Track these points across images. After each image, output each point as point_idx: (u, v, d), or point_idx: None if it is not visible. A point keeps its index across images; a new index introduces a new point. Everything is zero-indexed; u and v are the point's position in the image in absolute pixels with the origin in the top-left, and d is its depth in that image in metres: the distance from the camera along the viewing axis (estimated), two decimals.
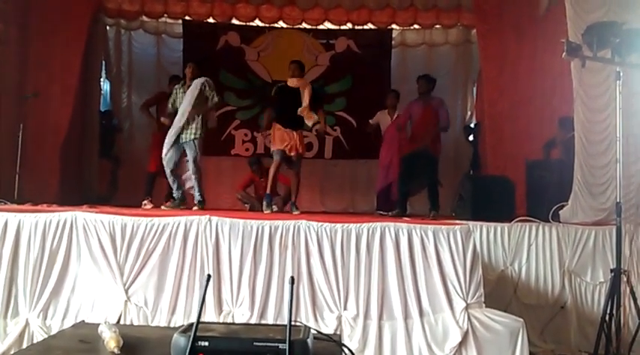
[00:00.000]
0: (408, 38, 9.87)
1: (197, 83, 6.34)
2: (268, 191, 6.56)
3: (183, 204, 6.38)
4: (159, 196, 7.14)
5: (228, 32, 9.53)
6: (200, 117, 6.32)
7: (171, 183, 6.46)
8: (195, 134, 6.27)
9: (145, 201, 6.94)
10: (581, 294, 5.24)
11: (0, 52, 6.67)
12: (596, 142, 5.47)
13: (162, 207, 6.34)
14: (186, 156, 6.38)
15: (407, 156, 6.88)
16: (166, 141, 6.31)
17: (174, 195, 6.48)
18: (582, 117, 5.58)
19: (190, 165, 6.32)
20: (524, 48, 7.65)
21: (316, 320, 4.14)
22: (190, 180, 6.47)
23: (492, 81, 8.31)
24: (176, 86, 6.61)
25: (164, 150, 6.31)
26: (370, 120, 8.15)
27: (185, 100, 6.31)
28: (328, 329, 4.05)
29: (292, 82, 6.57)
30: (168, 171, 6.36)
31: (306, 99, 6.43)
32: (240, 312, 4.16)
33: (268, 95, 7.12)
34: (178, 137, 6.29)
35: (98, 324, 1.73)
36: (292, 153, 6.44)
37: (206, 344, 1.43)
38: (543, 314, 5.14)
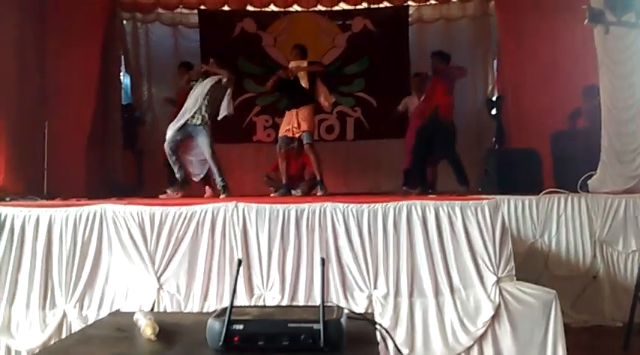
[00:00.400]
0: (424, 14, 9.75)
1: (212, 78, 6.36)
2: (284, 181, 6.63)
3: (186, 184, 6.39)
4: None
5: (243, 19, 9.53)
6: (210, 103, 6.29)
7: (172, 163, 6.34)
8: (203, 119, 6.22)
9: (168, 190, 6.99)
10: (613, 264, 5.19)
11: (21, 51, 6.74)
12: (623, 109, 5.36)
13: (166, 194, 6.36)
14: (190, 139, 6.38)
15: (420, 129, 6.75)
16: (174, 123, 6.31)
17: (176, 175, 6.38)
18: (608, 84, 5.48)
19: (206, 152, 6.25)
20: (543, 18, 7.51)
21: (347, 300, 4.14)
22: (199, 165, 6.50)
23: (512, 53, 8.21)
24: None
25: (169, 132, 6.28)
26: (399, 107, 8.05)
27: (201, 87, 6.32)
28: (359, 308, 4.06)
29: (291, 65, 6.63)
30: (168, 150, 6.28)
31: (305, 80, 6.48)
32: (271, 295, 4.19)
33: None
34: (185, 122, 6.25)
35: (134, 312, 1.76)
36: (291, 135, 6.48)
37: (241, 327, 1.44)
38: (575, 285, 5.11)
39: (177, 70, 8.49)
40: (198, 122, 6.21)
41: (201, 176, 6.62)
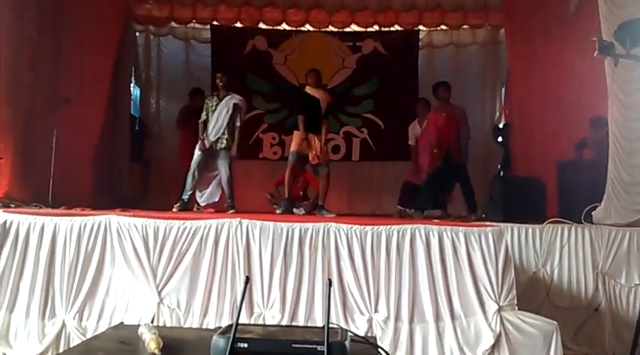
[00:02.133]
0: (435, 39, 9.82)
1: (231, 100, 6.58)
2: (286, 195, 6.63)
3: (188, 207, 6.54)
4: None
5: (255, 36, 9.59)
6: (231, 127, 6.60)
7: (189, 184, 6.54)
8: (227, 143, 6.54)
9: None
10: (615, 297, 5.13)
11: (34, 60, 6.80)
12: (632, 140, 5.34)
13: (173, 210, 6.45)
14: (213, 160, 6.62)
15: (434, 173, 6.83)
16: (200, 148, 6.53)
17: (184, 196, 6.56)
18: (617, 115, 5.46)
19: (224, 174, 6.52)
20: (553, 47, 7.54)
21: (347, 322, 4.13)
22: (211, 194, 6.68)
23: (521, 81, 8.24)
24: (208, 98, 6.82)
25: (196, 153, 6.52)
26: (410, 142, 8.02)
27: (219, 113, 6.54)
28: (359, 331, 4.04)
29: (312, 91, 6.68)
30: (195, 174, 6.51)
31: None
32: (271, 314, 4.18)
33: (296, 99, 7.18)
34: (211, 145, 6.52)
35: (137, 326, 1.76)
36: (315, 162, 6.53)
37: (245, 345, 1.44)
38: (576, 317, 5.05)
39: (184, 84, 8.65)
40: (222, 145, 6.53)
41: (209, 202, 6.80)
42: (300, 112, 6.64)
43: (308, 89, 6.70)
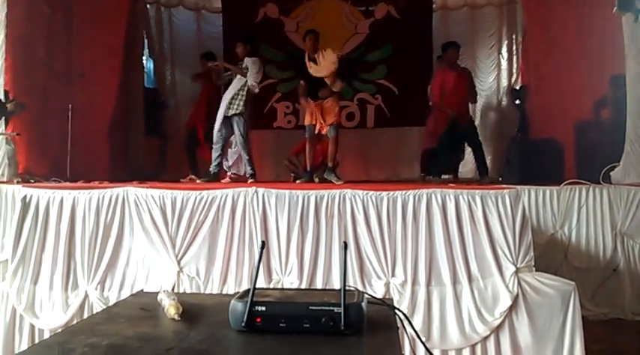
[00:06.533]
0: (449, 1, 9.63)
1: (246, 61, 6.60)
2: (308, 168, 6.62)
3: (217, 179, 6.57)
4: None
5: (266, 4, 9.48)
6: (245, 91, 6.52)
7: (215, 157, 6.59)
8: (238, 109, 6.46)
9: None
10: (634, 257, 5.13)
11: (47, 36, 6.81)
12: None
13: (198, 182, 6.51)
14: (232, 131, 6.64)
15: (445, 135, 6.81)
16: (217, 117, 6.55)
17: (210, 169, 6.60)
18: (634, 74, 5.37)
19: (238, 139, 6.55)
20: (570, 4, 7.36)
21: (364, 287, 4.16)
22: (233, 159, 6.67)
23: (538, 41, 8.06)
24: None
25: (216, 126, 6.55)
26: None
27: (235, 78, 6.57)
28: (377, 295, 4.06)
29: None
30: (219, 141, 6.57)
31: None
32: (289, 281, 4.22)
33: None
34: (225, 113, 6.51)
35: (157, 293, 1.78)
36: (324, 131, 6.49)
37: (263, 308, 1.45)
38: (595, 278, 5.06)
39: (197, 54, 8.55)
40: (235, 111, 6.45)
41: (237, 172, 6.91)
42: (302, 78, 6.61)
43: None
